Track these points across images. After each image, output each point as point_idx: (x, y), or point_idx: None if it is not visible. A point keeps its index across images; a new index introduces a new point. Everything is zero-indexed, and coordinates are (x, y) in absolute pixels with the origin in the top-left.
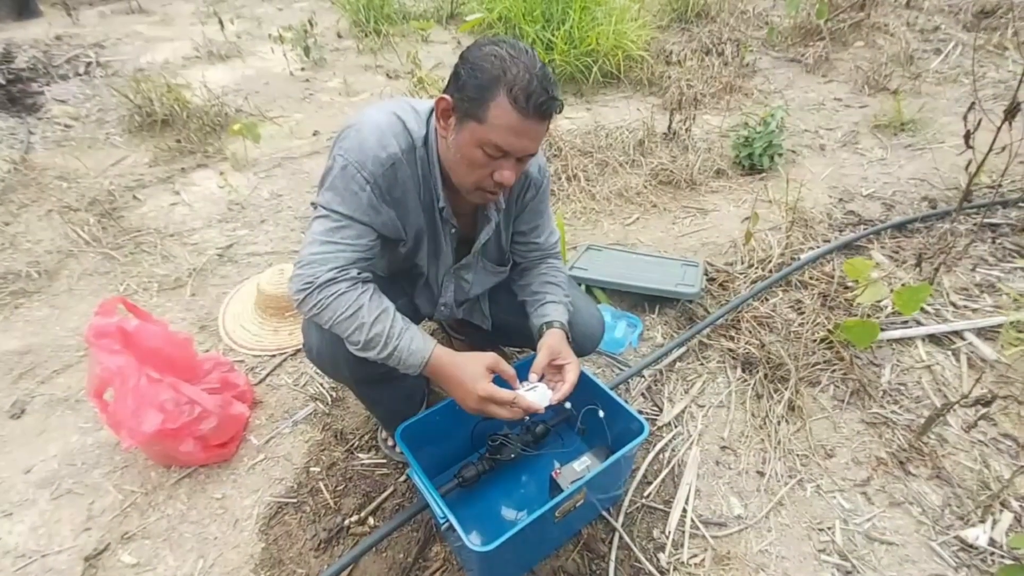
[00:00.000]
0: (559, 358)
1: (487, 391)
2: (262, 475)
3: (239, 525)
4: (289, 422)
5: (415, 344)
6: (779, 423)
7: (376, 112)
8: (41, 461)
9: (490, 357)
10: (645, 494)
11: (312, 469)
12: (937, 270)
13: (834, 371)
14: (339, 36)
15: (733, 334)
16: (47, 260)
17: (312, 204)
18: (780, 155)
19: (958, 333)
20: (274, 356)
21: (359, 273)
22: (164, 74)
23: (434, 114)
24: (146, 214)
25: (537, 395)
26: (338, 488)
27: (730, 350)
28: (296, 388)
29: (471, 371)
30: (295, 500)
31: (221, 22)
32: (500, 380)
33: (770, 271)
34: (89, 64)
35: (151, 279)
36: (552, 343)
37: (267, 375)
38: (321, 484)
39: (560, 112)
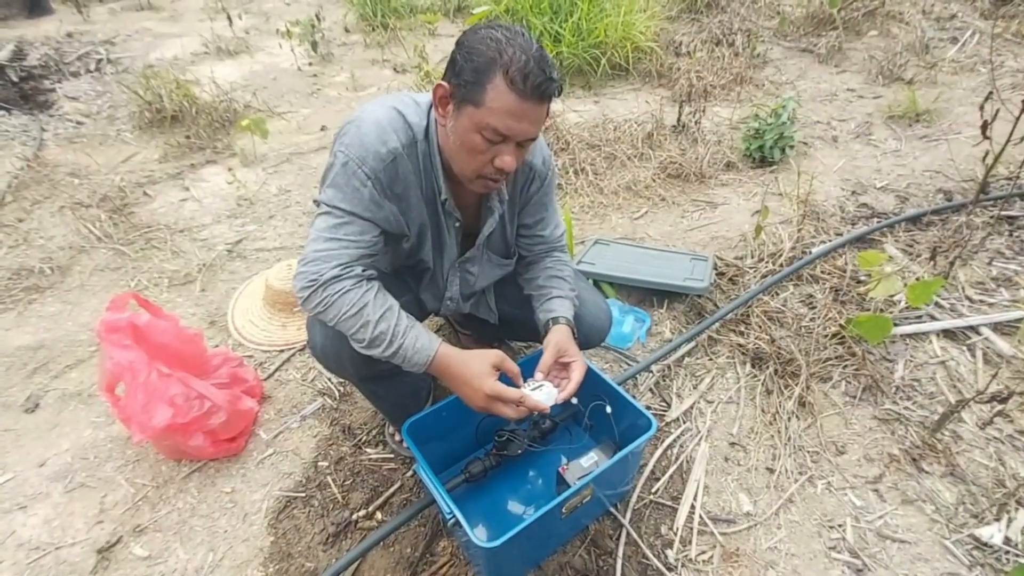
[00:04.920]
0: (565, 355)
1: (494, 389)
2: (271, 469)
3: (248, 519)
4: (297, 417)
5: (420, 342)
6: (789, 419)
7: (376, 107)
8: (54, 455)
9: (496, 355)
10: (653, 490)
11: (320, 464)
12: (952, 264)
13: (846, 367)
14: (346, 31)
15: (743, 329)
16: (59, 256)
17: (315, 201)
18: (791, 147)
19: (973, 328)
20: (282, 351)
21: (363, 270)
22: (173, 70)
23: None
24: (156, 210)
25: (543, 394)
26: (346, 483)
27: (740, 345)
28: (304, 383)
29: (477, 369)
30: (303, 494)
31: (229, 18)
32: (505, 378)
33: (781, 265)
34: (100, 61)
35: (161, 274)
36: (558, 340)
37: (276, 370)
38: (329, 478)
39: (559, 95)
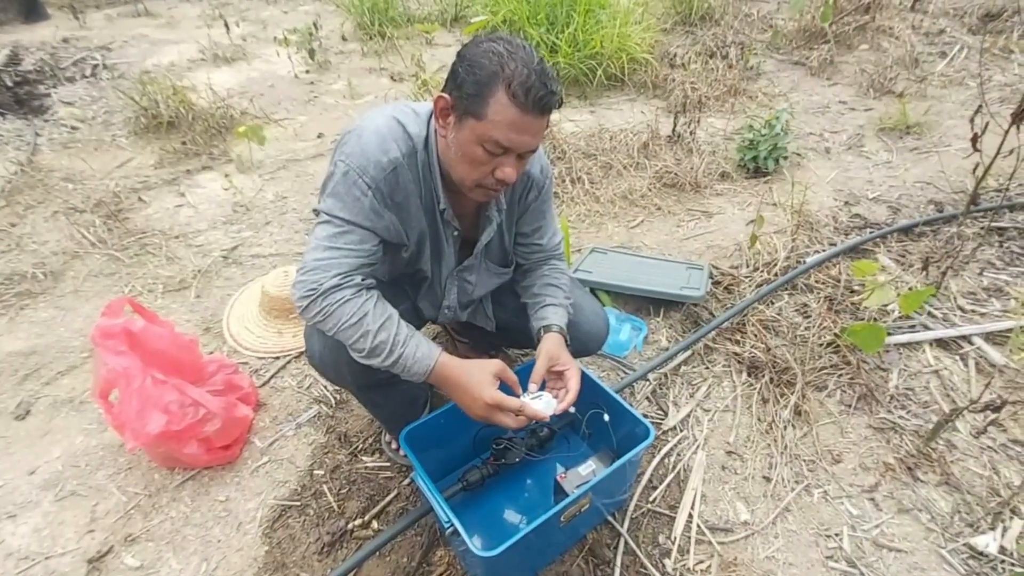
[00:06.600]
0: (558, 364)
1: (495, 398)
2: (266, 478)
3: (242, 528)
4: (293, 424)
5: (420, 351)
6: (785, 428)
7: (377, 116)
8: (45, 463)
9: (496, 364)
10: (651, 499)
11: (316, 472)
12: (944, 274)
13: (841, 375)
14: (344, 39)
15: (738, 338)
16: (53, 261)
17: (314, 211)
18: (785, 158)
19: (966, 338)
20: (278, 358)
21: (363, 280)
22: (170, 76)
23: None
24: (151, 216)
25: (543, 403)
26: (342, 491)
27: (735, 354)
28: (300, 390)
29: (478, 378)
30: (299, 503)
31: (227, 25)
32: (504, 387)
33: (775, 274)
34: (96, 66)
35: (156, 280)
36: (550, 348)
37: (271, 377)
38: (325, 487)
39: (560, 107)
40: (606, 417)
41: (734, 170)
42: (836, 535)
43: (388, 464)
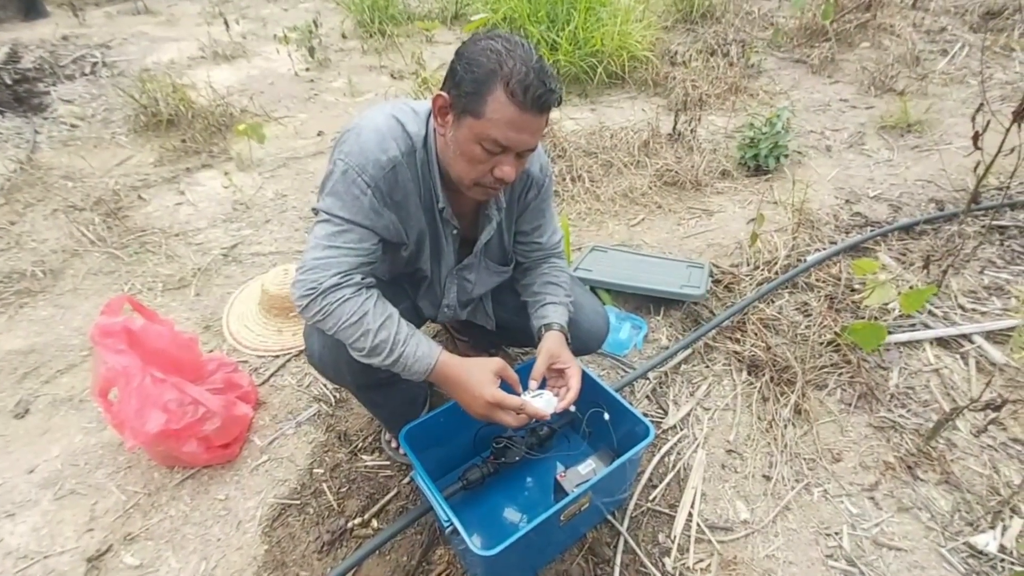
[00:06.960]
0: (558, 362)
1: (495, 397)
2: (265, 476)
3: (242, 527)
4: (293, 423)
5: (420, 350)
6: (786, 426)
7: (376, 115)
8: (44, 461)
9: (497, 362)
10: (650, 498)
11: (316, 471)
12: (945, 272)
13: (841, 374)
14: (344, 36)
15: (739, 336)
16: (52, 259)
17: (313, 209)
18: (786, 156)
19: (966, 336)
20: (278, 357)
21: (363, 279)
22: (170, 74)
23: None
24: (151, 214)
25: (543, 402)
26: (342, 490)
27: (736, 352)
28: (300, 389)
29: (478, 376)
30: (298, 502)
31: (226, 23)
32: (504, 386)
33: (776, 273)
34: (95, 64)
35: (156, 279)
36: (550, 347)
37: (271, 376)
38: (325, 486)
39: (559, 105)
40: (606, 416)
41: (735, 168)
42: (836, 534)
43: (388, 463)
